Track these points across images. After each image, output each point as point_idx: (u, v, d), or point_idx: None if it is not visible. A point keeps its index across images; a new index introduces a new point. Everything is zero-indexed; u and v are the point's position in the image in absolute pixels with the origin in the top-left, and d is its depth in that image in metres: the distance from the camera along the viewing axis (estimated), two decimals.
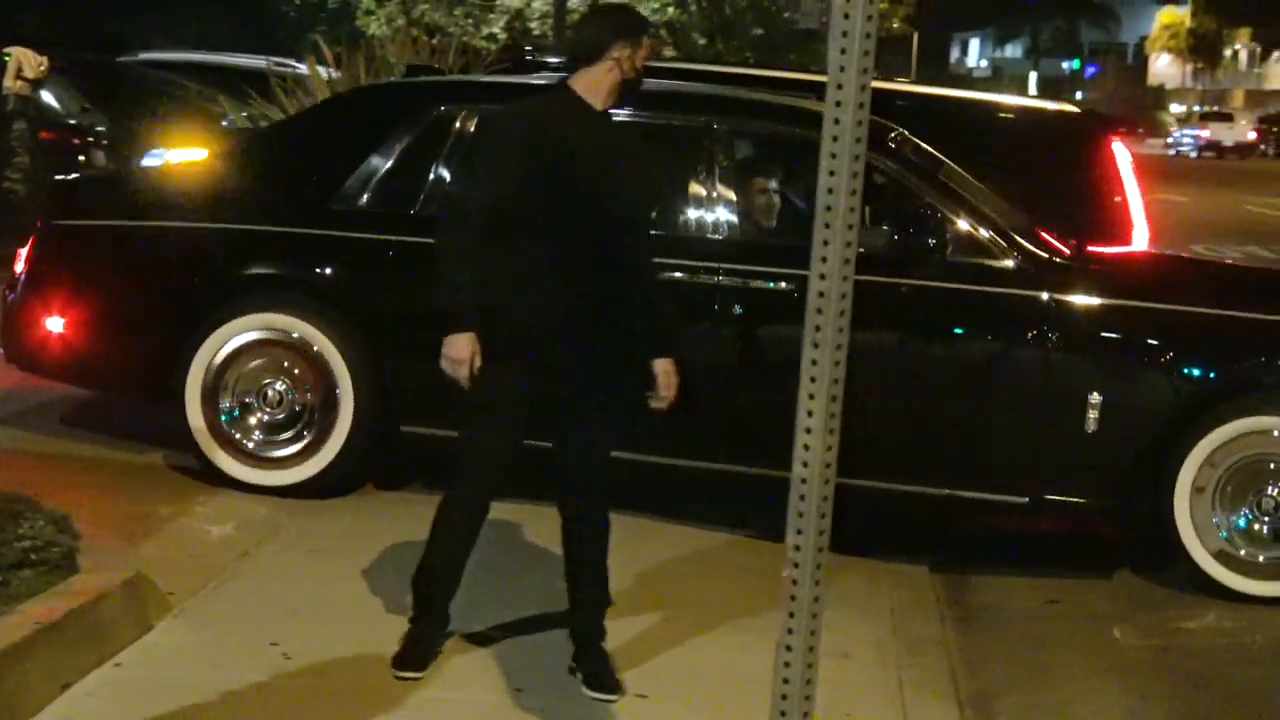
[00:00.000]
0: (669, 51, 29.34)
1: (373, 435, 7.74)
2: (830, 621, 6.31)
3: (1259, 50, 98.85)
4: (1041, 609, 7.22)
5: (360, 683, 5.46)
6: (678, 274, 7.43)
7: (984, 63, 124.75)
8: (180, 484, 7.76)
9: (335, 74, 14.47)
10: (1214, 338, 7.50)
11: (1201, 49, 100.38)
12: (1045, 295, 7.42)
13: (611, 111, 5.58)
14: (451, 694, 5.44)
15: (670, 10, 30.37)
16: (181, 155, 12.93)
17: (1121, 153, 9.89)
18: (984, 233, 7.54)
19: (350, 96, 8.92)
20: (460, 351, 5.33)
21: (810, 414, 3.18)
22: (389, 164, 7.88)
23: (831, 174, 3.13)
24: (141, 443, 8.34)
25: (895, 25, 42.60)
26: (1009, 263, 7.48)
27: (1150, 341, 7.45)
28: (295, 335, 7.71)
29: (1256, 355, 7.52)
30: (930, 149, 8.22)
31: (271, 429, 7.78)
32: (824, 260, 3.15)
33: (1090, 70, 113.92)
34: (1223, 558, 7.35)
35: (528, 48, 25.44)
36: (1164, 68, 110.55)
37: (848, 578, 7.02)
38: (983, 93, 11.61)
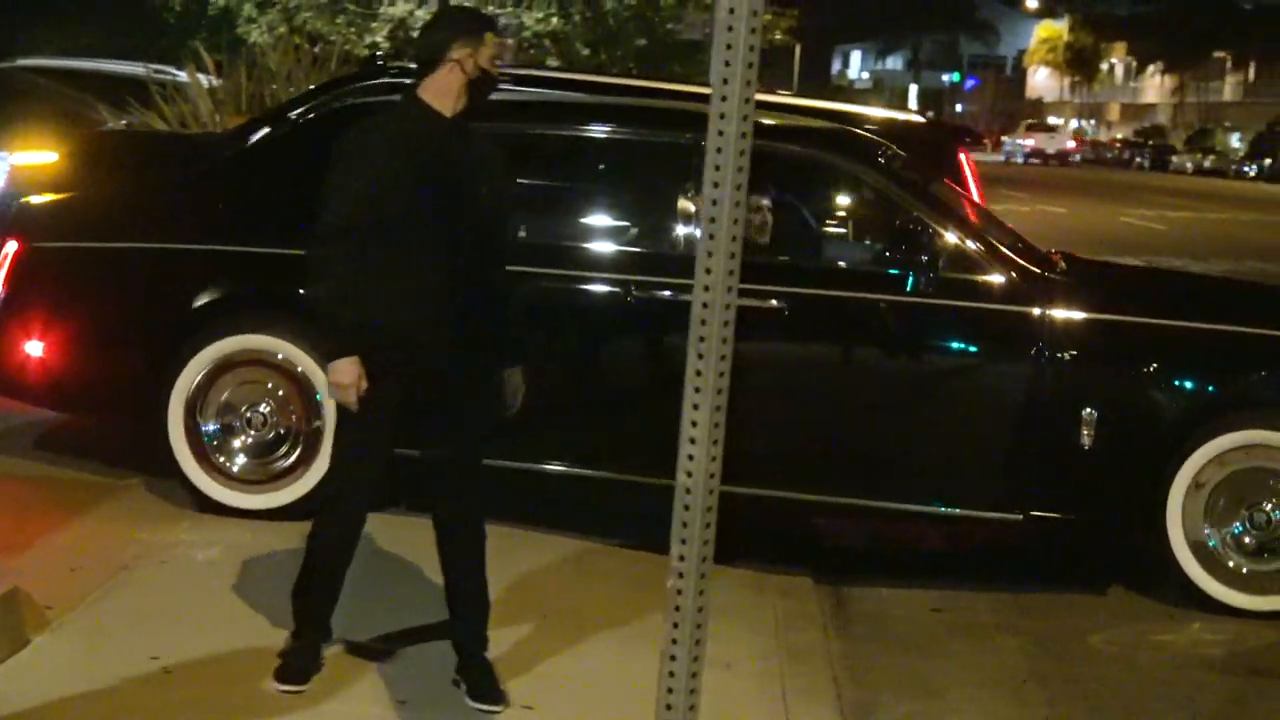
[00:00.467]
0: (552, 61, 29.27)
1: None
2: (714, 631, 6.33)
3: (1134, 64, 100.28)
4: (925, 618, 7.27)
5: (241, 696, 5.41)
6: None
7: (865, 75, 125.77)
8: (67, 499, 7.64)
9: (216, 82, 14.34)
10: (1208, 352, 7.53)
11: (1078, 63, 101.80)
12: (1036, 310, 7.40)
13: (467, 119, 5.52)
14: (334, 707, 5.40)
15: (554, 21, 30.28)
16: (25, 158, 12.68)
17: (967, 162, 10.03)
18: (973, 248, 7.52)
19: (325, 109, 8.81)
20: (346, 376, 5.31)
21: (695, 424, 3.18)
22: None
23: (715, 185, 3.13)
24: (41, 458, 8.23)
25: (778, 37, 42.74)
26: (999, 278, 7.46)
27: (1143, 356, 7.45)
28: (280, 356, 7.62)
29: (1251, 369, 7.56)
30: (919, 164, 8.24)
31: (256, 451, 7.67)
32: (708, 271, 3.15)
33: (970, 83, 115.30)
34: (1214, 571, 7.36)
35: (378, 54, 25.22)
36: (1042, 81, 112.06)
37: (732, 588, 7.04)
38: (839, 103, 11.61)
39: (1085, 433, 7.25)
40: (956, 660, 6.74)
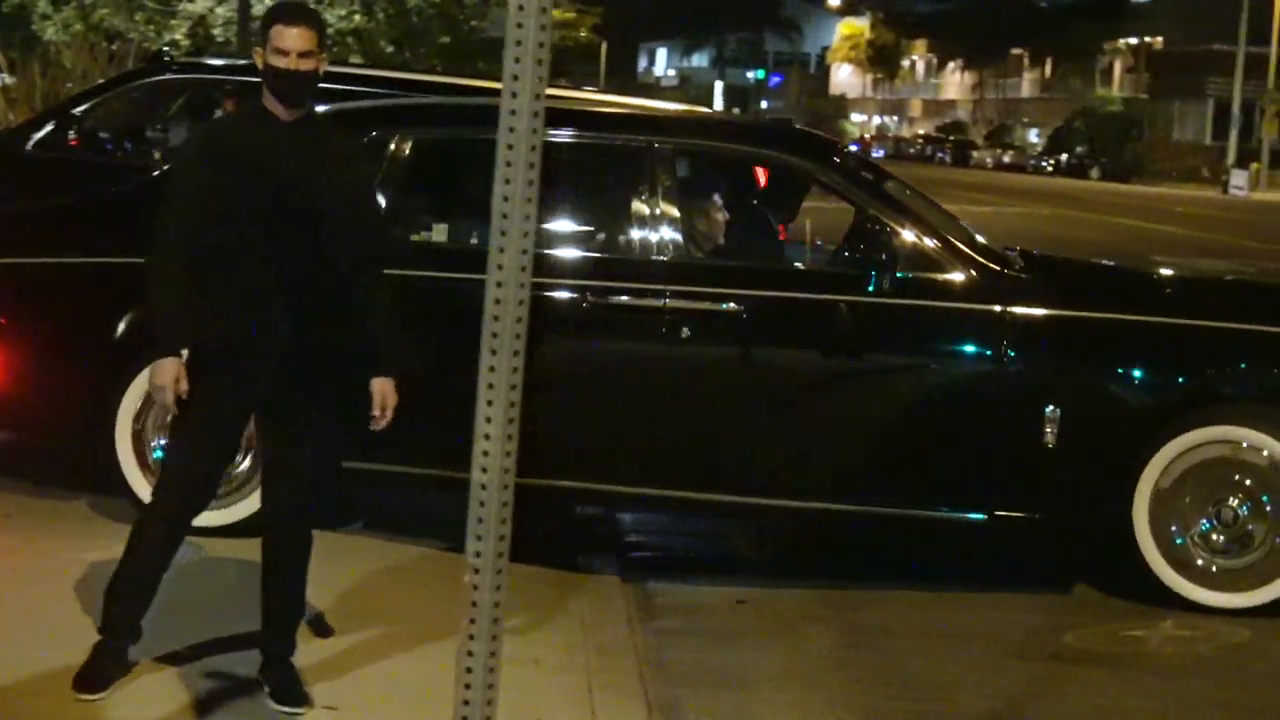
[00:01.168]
0: (355, 59, 29.07)
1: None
2: (521, 629, 6.41)
3: (935, 61, 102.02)
4: (731, 611, 7.32)
5: (38, 705, 5.30)
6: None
7: (671, 72, 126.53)
8: None
9: (10, 79, 14.04)
10: (1172, 347, 7.48)
11: (880, 60, 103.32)
12: (997, 308, 7.35)
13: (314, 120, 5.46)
14: (132, 713, 5.31)
15: (356, 18, 30.12)
16: None
17: None
18: (931, 246, 7.46)
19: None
20: (163, 377, 5.25)
21: (489, 420, 3.18)
22: None
23: (507, 182, 3.13)
24: None
25: (583, 34, 42.97)
26: (958, 276, 7.40)
27: (1106, 353, 7.45)
28: None
29: (1216, 364, 7.50)
30: (876, 163, 8.29)
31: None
32: (500, 267, 3.16)
33: (775, 80, 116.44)
34: (1180, 567, 7.34)
35: (165, 49, 24.88)
36: (846, 78, 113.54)
37: (539, 586, 7.05)
38: (653, 100, 11.71)
39: (1049, 431, 7.19)
40: (763, 652, 6.79)
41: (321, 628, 6.19)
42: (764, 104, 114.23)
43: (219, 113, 10.66)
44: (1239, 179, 62.05)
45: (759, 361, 7.48)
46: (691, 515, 8.23)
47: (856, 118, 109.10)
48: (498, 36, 32.93)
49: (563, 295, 7.43)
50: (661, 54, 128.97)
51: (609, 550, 8.05)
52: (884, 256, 7.26)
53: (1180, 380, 7.46)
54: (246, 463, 7.39)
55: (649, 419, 7.43)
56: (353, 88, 10.56)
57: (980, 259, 7.47)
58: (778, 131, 8.41)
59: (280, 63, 5.27)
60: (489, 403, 3.16)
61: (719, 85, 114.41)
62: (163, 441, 7.32)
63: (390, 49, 31.25)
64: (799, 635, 7.04)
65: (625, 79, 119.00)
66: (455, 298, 7.46)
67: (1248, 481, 7.35)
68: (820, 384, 7.50)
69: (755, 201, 8.51)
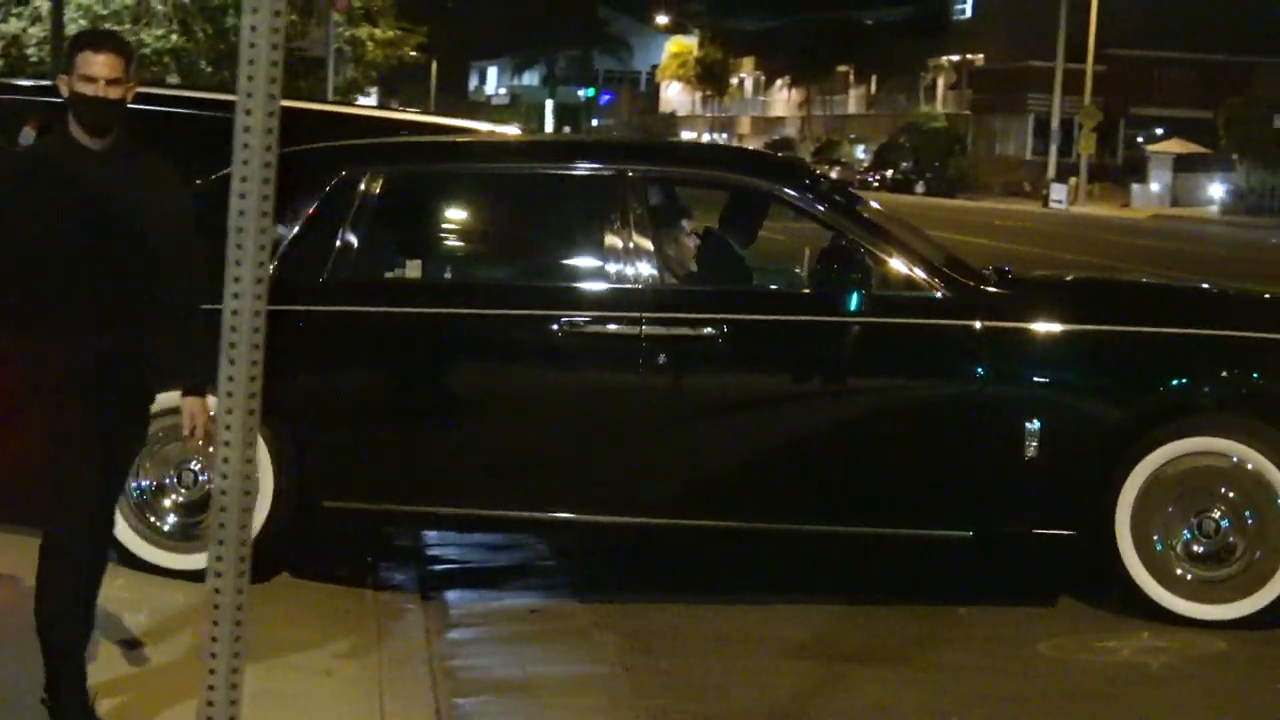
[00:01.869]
0: (174, 79, 28.81)
1: (293, 514, 7.48)
2: (313, 640, 6.49)
3: (763, 79, 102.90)
4: (525, 620, 7.41)
5: None
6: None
7: (503, 90, 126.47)
8: None
9: None
10: (1151, 359, 7.48)
11: (709, 78, 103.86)
12: (976, 324, 7.39)
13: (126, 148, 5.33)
14: None
15: (174, 38, 29.85)
16: None
17: None
18: (906, 265, 7.48)
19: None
20: None
21: (228, 428, 3.27)
22: (293, 231, 7.60)
23: (242, 196, 3.22)
24: None
25: (409, 53, 42.87)
26: (934, 294, 7.42)
27: (1085, 366, 7.49)
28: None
29: (1195, 374, 7.47)
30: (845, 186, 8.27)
31: (188, 510, 7.48)
32: (237, 280, 3.25)
33: (605, 98, 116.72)
34: (1160, 578, 7.34)
35: None
36: (676, 95, 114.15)
37: (338, 601, 7.14)
38: (424, 116, 11.77)
39: (1030, 445, 7.22)
40: (553, 658, 6.89)
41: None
42: (595, 121, 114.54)
43: (22, 136, 10.59)
44: (1059, 193, 63.34)
45: (742, 386, 7.55)
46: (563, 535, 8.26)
47: (687, 134, 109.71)
48: (319, 56, 32.93)
49: (540, 323, 7.49)
50: (492, 72, 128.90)
51: (410, 564, 8.13)
52: (859, 276, 7.31)
53: (1159, 391, 7.44)
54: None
55: (632, 447, 7.48)
56: (171, 109, 10.58)
57: (955, 276, 7.51)
58: (748, 156, 8.44)
59: (87, 90, 5.14)
60: (228, 411, 3.25)
61: (550, 103, 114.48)
62: (145, 483, 7.45)
63: (209, 69, 31.01)
64: (589, 641, 7.14)
65: (456, 98, 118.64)
66: (430, 330, 7.61)
67: (1231, 494, 7.35)
68: (804, 406, 7.54)
69: (717, 226, 8.49)
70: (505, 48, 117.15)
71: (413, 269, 7.84)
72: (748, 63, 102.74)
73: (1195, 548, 7.37)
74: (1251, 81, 71.93)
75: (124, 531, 7.24)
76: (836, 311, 7.40)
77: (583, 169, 7.90)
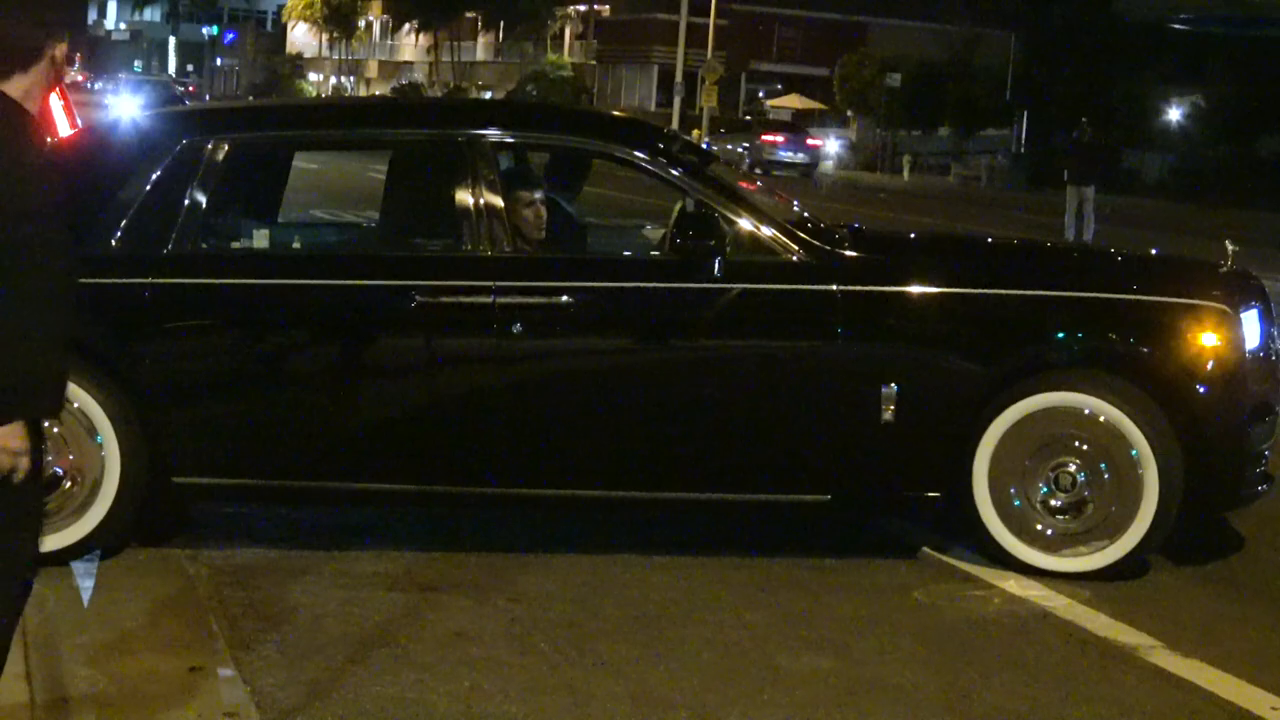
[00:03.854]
0: None
1: (142, 491, 7.16)
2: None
3: (391, 22, 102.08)
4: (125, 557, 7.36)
5: None
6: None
7: (123, 26, 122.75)
8: None
9: None
10: (1003, 317, 7.51)
11: (336, 20, 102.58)
12: (832, 287, 7.33)
13: None
14: None
15: None
16: None
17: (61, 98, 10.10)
18: (762, 229, 7.41)
19: (88, 135, 8.01)
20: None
21: None
22: (138, 201, 7.22)
23: None
24: None
25: None
26: (790, 258, 7.36)
27: (939, 327, 7.47)
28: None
29: (1047, 332, 7.50)
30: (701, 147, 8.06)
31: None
32: None
33: (229, 37, 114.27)
34: (1019, 532, 7.43)
35: None
36: (302, 37, 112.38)
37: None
38: None
39: (887, 408, 7.25)
40: (146, 589, 6.88)
41: None
42: (219, 61, 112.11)
43: None
44: None
45: (596, 354, 7.46)
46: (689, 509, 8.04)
47: (314, 77, 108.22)
48: None
49: (394, 294, 7.34)
50: (112, 7, 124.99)
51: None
52: (713, 242, 7.20)
53: (1012, 350, 7.49)
54: (78, 488, 7.16)
55: (486, 419, 7.36)
56: None
57: (810, 240, 7.48)
58: (597, 119, 8.22)
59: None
60: None
61: (172, 41, 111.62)
62: None
63: None
64: (182, 574, 7.12)
65: (75, 33, 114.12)
66: (279, 302, 7.39)
67: (1085, 447, 7.44)
68: (660, 374, 7.46)
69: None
70: None
71: (260, 239, 7.66)
72: (375, 5, 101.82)
73: (1052, 501, 7.50)
74: (865, 40, 74.45)
75: None
76: (693, 278, 7.32)
77: (428, 133, 7.86)
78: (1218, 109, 54.15)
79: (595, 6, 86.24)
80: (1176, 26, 57.38)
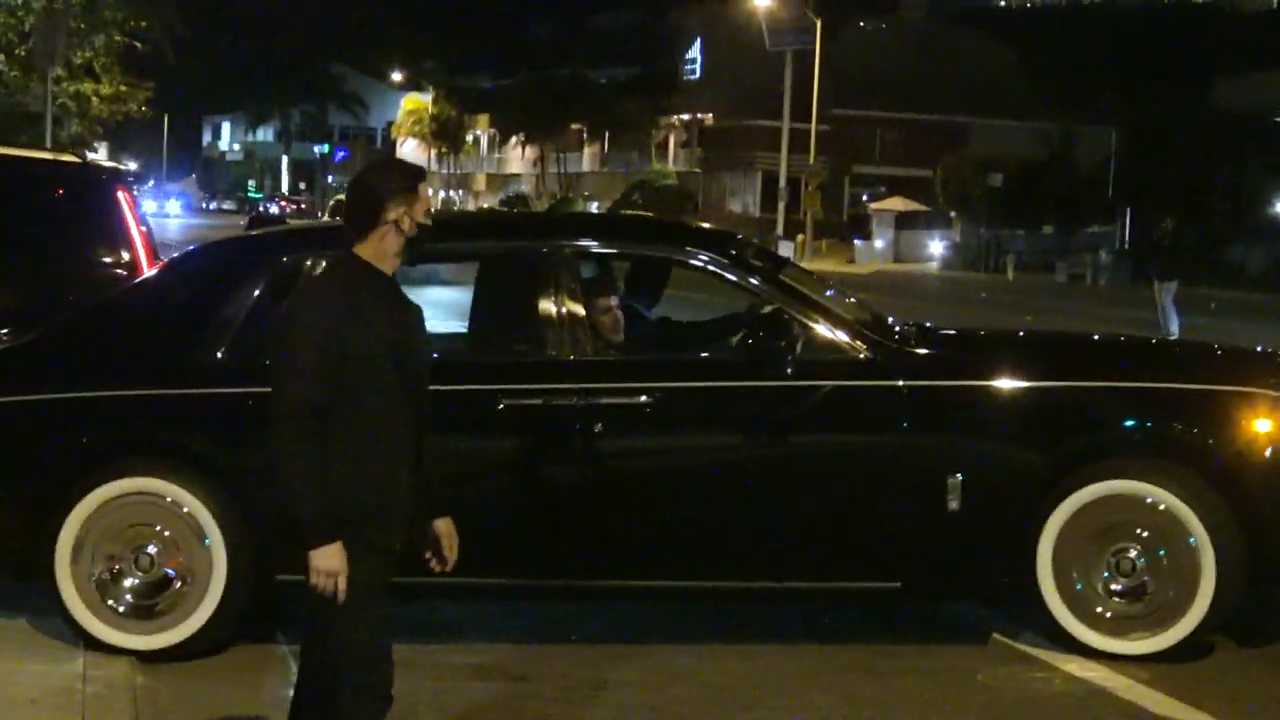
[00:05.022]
0: None
1: (247, 588, 7.62)
2: (20, 668, 6.78)
3: (497, 136, 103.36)
4: (236, 650, 7.69)
5: None
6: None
7: (237, 146, 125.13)
8: None
9: None
10: (1064, 409, 7.80)
11: (444, 134, 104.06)
12: (899, 383, 7.68)
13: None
14: None
15: None
16: None
17: (126, 201, 10.51)
18: (833, 330, 7.74)
19: (199, 254, 8.79)
20: (333, 564, 5.00)
21: None
22: (242, 315, 7.73)
23: None
24: None
25: (134, 109, 42.35)
26: (858, 355, 7.68)
27: (1002, 419, 7.75)
28: (168, 500, 7.56)
29: (1106, 423, 7.82)
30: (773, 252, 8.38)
31: (144, 592, 7.56)
32: None
33: (340, 154, 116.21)
34: (1082, 616, 7.67)
35: None
36: (411, 151, 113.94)
37: (47, 631, 7.49)
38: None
39: (953, 497, 7.52)
40: (251, 682, 7.26)
41: None
42: (330, 179, 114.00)
43: None
44: (785, 249, 64.82)
45: (681, 450, 7.82)
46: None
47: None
48: (38, 111, 32.53)
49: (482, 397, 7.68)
50: (226, 128, 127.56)
51: None
52: (784, 343, 7.59)
53: (1072, 440, 7.76)
54: (187, 587, 7.59)
55: (585, 513, 7.70)
56: None
57: (876, 337, 7.80)
58: (670, 228, 8.53)
59: (426, 221, 5.27)
60: None
61: (285, 160, 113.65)
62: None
63: None
64: (285, 668, 7.42)
65: (191, 153, 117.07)
66: None
67: (1145, 534, 7.67)
68: (736, 468, 7.75)
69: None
70: (239, 103, 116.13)
71: None
72: (482, 119, 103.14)
73: (1113, 585, 7.72)
74: (966, 141, 74.64)
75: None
76: (767, 376, 7.67)
77: (513, 245, 8.32)
78: None
79: (699, 115, 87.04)
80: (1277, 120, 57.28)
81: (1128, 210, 60.90)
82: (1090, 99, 63.49)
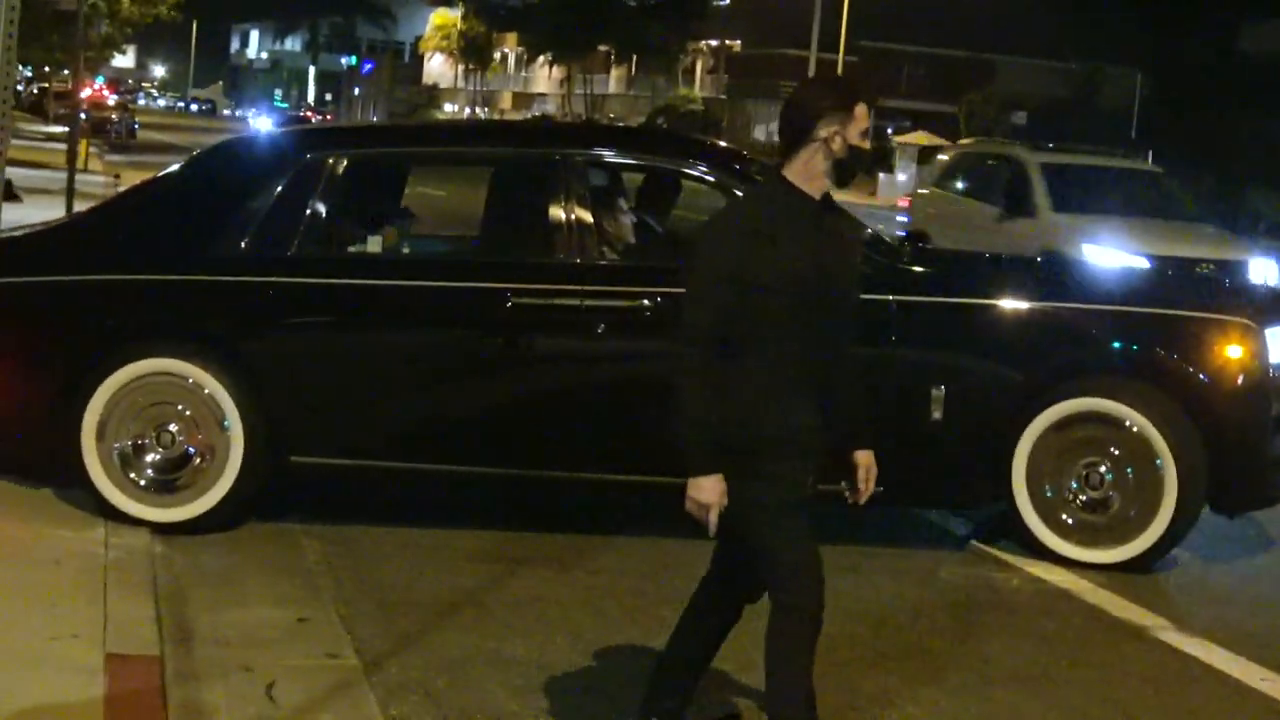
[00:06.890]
0: None
1: (263, 469, 8.00)
2: (45, 534, 7.23)
3: (525, 55, 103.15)
4: (244, 527, 8.11)
5: None
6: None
7: (264, 55, 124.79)
8: None
9: None
10: (1046, 328, 8.15)
11: (472, 51, 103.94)
12: (889, 298, 7.97)
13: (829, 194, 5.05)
14: None
15: None
16: None
17: None
18: None
19: (227, 148, 9.24)
20: (708, 495, 4.94)
21: None
22: (265, 209, 8.09)
23: None
24: None
25: (163, 11, 42.44)
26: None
27: (986, 336, 8.10)
28: (190, 381, 7.91)
29: (1083, 342, 8.16)
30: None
31: (164, 467, 7.94)
32: None
33: (367, 66, 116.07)
34: (1053, 526, 8.11)
35: None
36: (438, 68, 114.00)
37: (68, 499, 7.96)
38: None
39: (936, 408, 7.91)
40: (261, 558, 7.64)
41: None
42: (356, 91, 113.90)
43: None
44: None
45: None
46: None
47: (449, 107, 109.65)
48: (70, 9, 32.62)
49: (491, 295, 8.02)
50: (254, 36, 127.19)
51: None
52: None
53: (1054, 358, 8.15)
54: (206, 464, 7.97)
55: (594, 408, 8.08)
56: None
57: (870, 253, 7.98)
58: (676, 140, 8.72)
59: (860, 144, 5.00)
60: None
61: (312, 70, 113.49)
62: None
63: None
64: (295, 544, 7.90)
65: (217, 60, 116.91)
66: (388, 302, 8.20)
67: (1116, 452, 8.06)
68: None
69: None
70: (268, 11, 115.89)
71: (373, 245, 8.44)
72: (510, 38, 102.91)
73: (1081, 497, 8.15)
74: (991, 78, 74.47)
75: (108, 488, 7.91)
76: None
77: (526, 151, 8.62)
78: None
79: (726, 41, 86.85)
80: None
81: (1148, 153, 60.85)
82: (1117, 41, 63.14)
